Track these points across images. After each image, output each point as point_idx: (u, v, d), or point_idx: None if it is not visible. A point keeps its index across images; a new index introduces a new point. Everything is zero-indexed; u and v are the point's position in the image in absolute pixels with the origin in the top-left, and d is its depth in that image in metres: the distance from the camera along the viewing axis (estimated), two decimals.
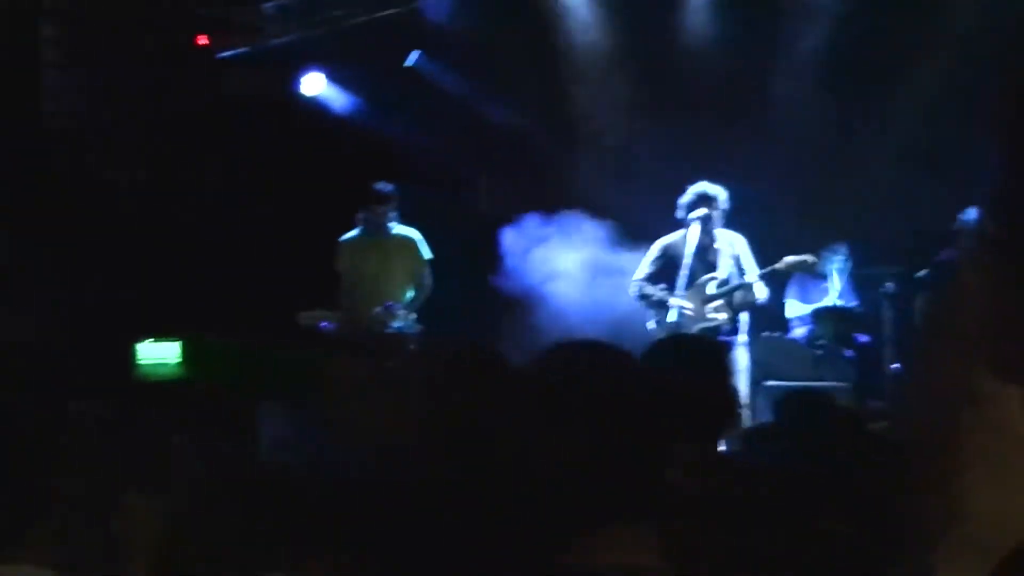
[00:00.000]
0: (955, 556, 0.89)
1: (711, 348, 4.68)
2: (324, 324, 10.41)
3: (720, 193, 10.23)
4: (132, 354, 9.80)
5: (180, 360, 10.19)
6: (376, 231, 10.80)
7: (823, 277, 11.80)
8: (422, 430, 2.86)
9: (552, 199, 12.03)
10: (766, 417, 8.92)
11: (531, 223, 11.96)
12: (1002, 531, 0.87)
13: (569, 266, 11.76)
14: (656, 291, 10.32)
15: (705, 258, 10.28)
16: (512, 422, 2.58)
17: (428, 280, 10.89)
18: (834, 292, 11.73)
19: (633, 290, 10.51)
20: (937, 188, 11.20)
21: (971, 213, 10.45)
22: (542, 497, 2.26)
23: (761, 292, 10.20)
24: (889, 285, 11.12)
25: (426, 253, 10.86)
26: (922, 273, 11.02)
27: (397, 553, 2.48)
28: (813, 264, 10.97)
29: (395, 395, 3.01)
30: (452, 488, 2.52)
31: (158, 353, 9.99)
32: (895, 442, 1.00)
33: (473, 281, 12.00)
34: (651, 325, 10.36)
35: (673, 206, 10.44)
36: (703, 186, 10.25)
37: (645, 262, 10.54)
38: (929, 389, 0.94)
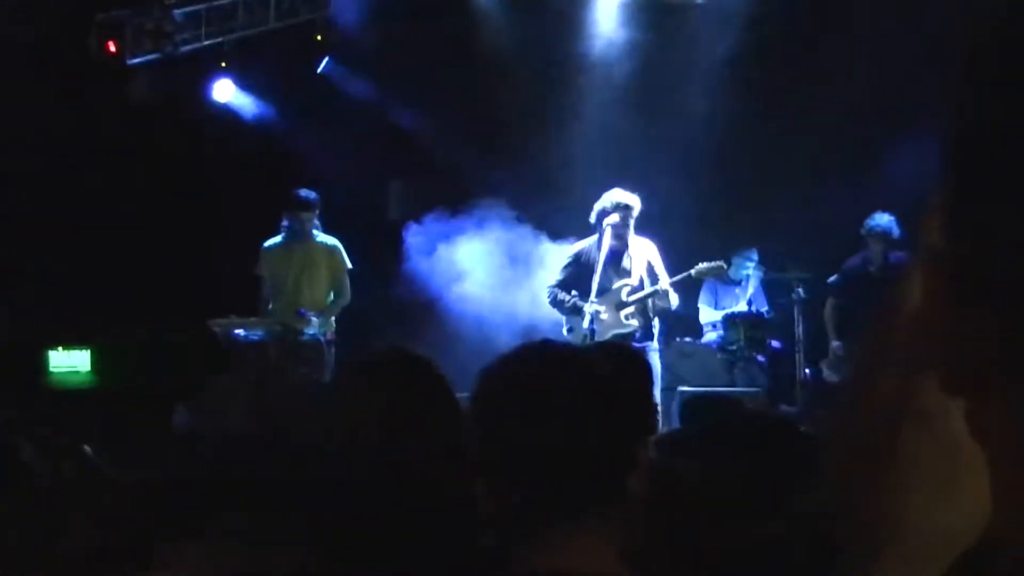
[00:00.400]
0: (895, 570, 0.90)
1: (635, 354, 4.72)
2: (236, 331, 10.31)
3: (632, 200, 10.27)
4: (43, 363, 9.68)
5: (90, 368, 10.08)
6: (299, 238, 10.75)
7: (735, 283, 11.93)
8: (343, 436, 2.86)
9: (464, 203, 12.09)
10: (678, 423, 8.97)
11: (442, 227, 12.02)
12: (947, 546, 0.86)
13: (482, 270, 11.85)
14: (570, 297, 10.36)
15: (618, 265, 10.34)
16: (452, 429, 2.65)
17: (347, 288, 10.86)
18: (745, 298, 11.84)
19: (547, 296, 10.55)
20: (845, 195, 11.38)
21: (876, 219, 10.65)
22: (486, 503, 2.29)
23: (674, 298, 10.29)
24: (800, 291, 11.23)
25: (347, 262, 10.83)
26: (832, 279, 11.21)
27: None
28: (725, 270, 11.11)
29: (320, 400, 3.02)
30: (385, 493, 2.52)
31: (69, 361, 9.88)
32: (827, 450, 0.97)
33: (385, 287, 11.99)
34: (566, 331, 10.39)
35: (585, 211, 10.52)
36: (616, 193, 10.29)
37: (558, 268, 10.59)
38: (870, 402, 0.92)
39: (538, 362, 2.42)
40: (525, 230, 11.86)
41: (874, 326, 0.93)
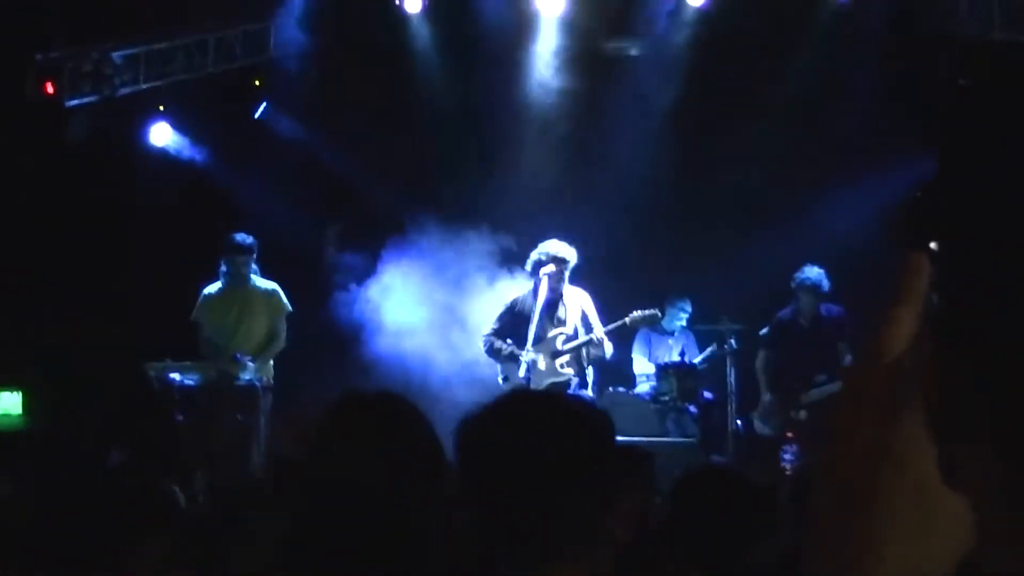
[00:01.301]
0: None
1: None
2: (171, 375, 10.23)
3: (568, 252, 10.41)
4: None
5: (22, 411, 9.97)
6: (237, 282, 10.69)
7: (668, 333, 12.01)
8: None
9: (399, 246, 12.18)
10: None
11: (378, 269, 12.09)
12: None
13: (417, 311, 11.95)
14: (505, 346, 10.41)
15: (553, 314, 10.43)
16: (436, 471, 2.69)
17: (283, 333, 10.81)
18: (678, 348, 11.92)
19: (482, 345, 10.60)
20: (776, 246, 11.55)
21: (806, 272, 10.79)
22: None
23: (608, 347, 10.38)
24: (732, 342, 11.34)
25: (286, 306, 10.79)
26: (763, 331, 11.31)
27: None
28: (659, 319, 11.24)
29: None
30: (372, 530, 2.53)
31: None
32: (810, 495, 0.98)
33: (322, 331, 11.99)
34: (501, 380, 10.43)
35: (517, 260, 10.73)
36: (552, 244, 10.43)
37: (494, 317, 10.64)
38: (848, 448, 0.93)
39: (524, 412, 2.48)
40: (459, 272, 11.93)
41: (851, 373, 0.95)
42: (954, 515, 0.88)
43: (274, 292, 10.81)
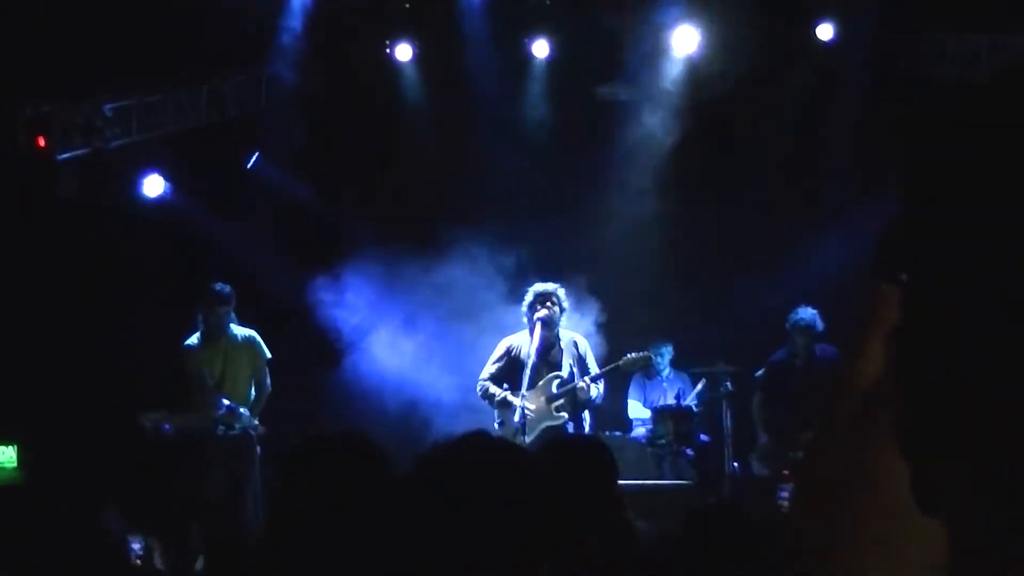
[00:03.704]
0: None
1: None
2: (167, 426, 10.19)
3: (559, 293, 10.42)
4: None
5: (16, 464, 9.94)
6: (216, 332, 10.63)
7: (660, 376, 12.02)
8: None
9: (393, 296, 12.19)
10: None
11: (370, 321, 12.08)
12: None
13: (408, 364, 11.96)
14: (500, 392, 10.40)
15: (548, 358, 10.42)
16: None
17: (268, 379, 10.77)
18: (673, 391, 11.91)
19: (478, 390, 10.60)
20: (769, 287, 11.64)
21: (800, 313, 10.79)
22: None
23: (593, 390, 10.34)
24: (727, 384, 11.34)
25: (265, 352, 10.75)
26: (758, 373, 11.31)
27: None
28: (651, 361, 11.27)
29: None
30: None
31: None
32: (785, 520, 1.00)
33: (313, 379, 12.03)
34: (497, 425, 10.41)
35: (501, 301, 10.87)
36: (540, 286, 10.45)
37: (490, 362, 10.64)
38: (822, 472, 0.96)
39: (471, 450, 2.58)
40: (451, 315, 11.96)
41: (825, 402, 0.97)
42: (929, 538, 0.88)
43: (252, 339, 10.74)
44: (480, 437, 2.69)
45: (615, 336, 11.41)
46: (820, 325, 10.84)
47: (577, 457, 4.20)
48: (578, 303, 11.00)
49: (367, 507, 2.93)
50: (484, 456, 2.59)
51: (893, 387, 0.88)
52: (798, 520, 0.97)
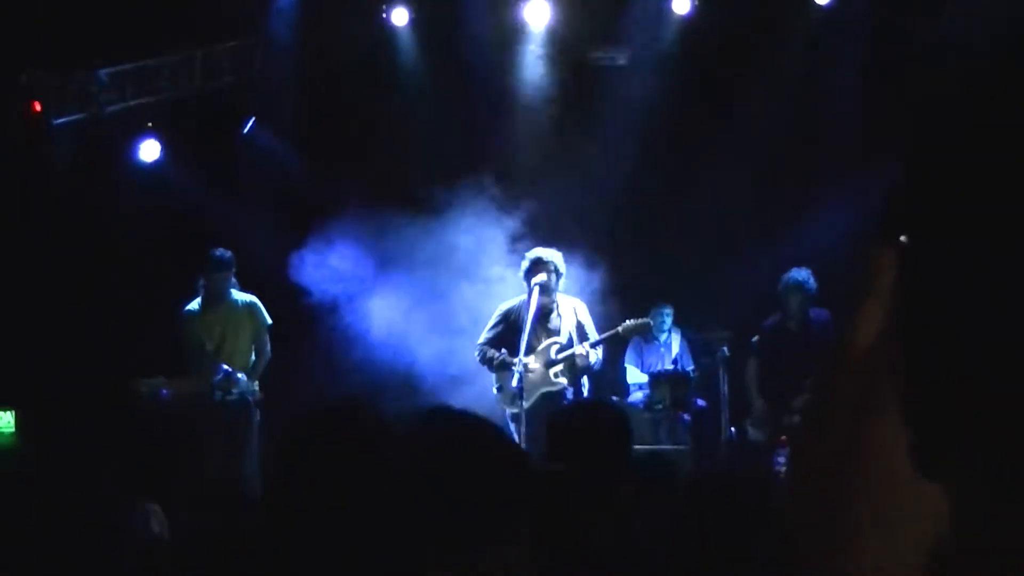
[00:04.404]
0: None
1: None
2: (164, 392, 10.20)
3: (555, 256, 10.39)
4: None
5: (14, 430, 9.95)
6: (216, 298, 10.64)
7: (657, 341, 12.01)
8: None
9: (387, 264, 12.13)
10: None
11: (366, 289, 12.03)
12: None
13: (409, 328, 11.89)
14: (498, 355, 10.38)
15: (546, 323, 10.40)
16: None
17: (268, 345, 10.78)
18: (670, 356, 11.91)
19: (476, 354, 10.59)
20: (767, 252, 11.60)
21: (793, 273, 10.72)
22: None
23: (592, 355, 10.31)
24: (724, 349, 11.34)
25: (266, 319, 10.76)
26: (754, 339, 11.29)
27: None
28: (650, 327, 11.25)
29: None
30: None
31: None
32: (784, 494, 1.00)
33: (309, 347, 11.98)
34: (495, 390, 10.42)
35: (500, 267, 10.90)
36: (538, 251, 10.43)
37: (487, 327, 10.63)
38: (819, 444, 0.94)
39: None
40: (447, 279, 11.91)
41: (822, 369, 0.97)
42: (930, 506, 0.89)
43: (253, 305, 10.77)
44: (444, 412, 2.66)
45: (614, 301, 11.40)
46: (813, 285, 10.76)
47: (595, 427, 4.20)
48: (578, 268, 10.98)
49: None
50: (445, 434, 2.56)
51: (892, 354, 0.88)
52: (794, 494, 0.95)
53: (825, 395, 0.95)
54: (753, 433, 11.23)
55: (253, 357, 10.73)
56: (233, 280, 10.69)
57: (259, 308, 10.75)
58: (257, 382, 10.60)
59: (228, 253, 10.63)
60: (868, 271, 0.93)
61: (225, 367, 10.40)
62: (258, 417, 10.40)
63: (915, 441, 0.87)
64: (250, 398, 10.33)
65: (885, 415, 0.89)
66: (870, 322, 0.92)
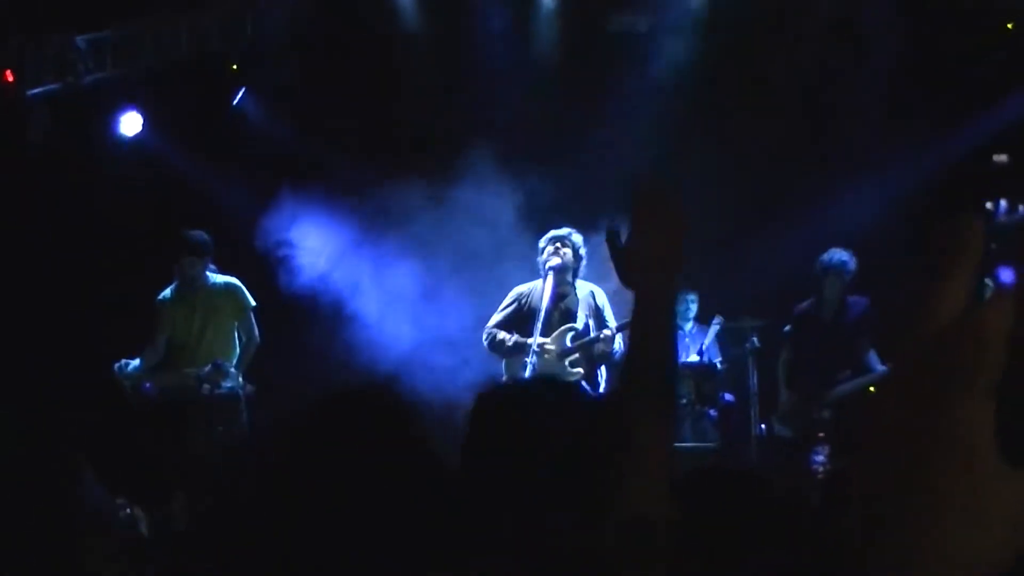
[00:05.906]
0: None
1: None
2: (146, 385, 9.55)
3: (577, 241, 9.79)
4: None
5: None
6: (193, 284, 9.94)
7: (682, 330, 11.38)
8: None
9: (381, 240, 11.68)
10: None
11: (359, 267, 11.58)
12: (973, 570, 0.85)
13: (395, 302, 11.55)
14: (508, 338, 9.73)
15: (562, 308, 9.76)
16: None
17: (255, 329, 10.06)
18: (696, 347, 11.29)
19: (485, 338, 9.94)
20: (799, 238, 11.03)
21: (832, 253, 10.13)
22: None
23: (617, 343, 9.67)
24: (754, 339, 10.77)
25: (249, 300, 10.04)
26: (786, 328, 10.63)
27: None
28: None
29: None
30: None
31: None
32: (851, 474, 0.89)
33: (299, 330, 11.58)
34: (504, 378, 9.73)
35: (512, 244, 10.59)
36: (557, 232, 9.84)
37: (498, 311, 10.00)
38: (898, 424, 0.87)
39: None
40: (448, 255, 11.50)
41: (902, 342, 0.91)
42: (1017, 501, 0.86)
43: (234, 287, 10.06)
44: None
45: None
46: (853, 268, 10.02)
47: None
48: (598, 251, 10.36)
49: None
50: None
51: (974, 330, 0.85)
52: (865, 490, 0.89)
53: (900, 374, 0.90)
54: (779, 429, 10.58)
55: (240, 344, 10.03)
56: (210, 264, 10.01)
57: (240, 289, 10.03)
58: (243, 373, 9.90)
59: (203, 235, 9.95)
60: (948, 240, 0.89)
61: (218, 361, 9.69)
62: (246, 414, 9.71)
63: (1006, 427, 0.85)
64: (240, 391, 9.63)
65: (970, 396, 0.85)
66: (945, 301, 0.88)
